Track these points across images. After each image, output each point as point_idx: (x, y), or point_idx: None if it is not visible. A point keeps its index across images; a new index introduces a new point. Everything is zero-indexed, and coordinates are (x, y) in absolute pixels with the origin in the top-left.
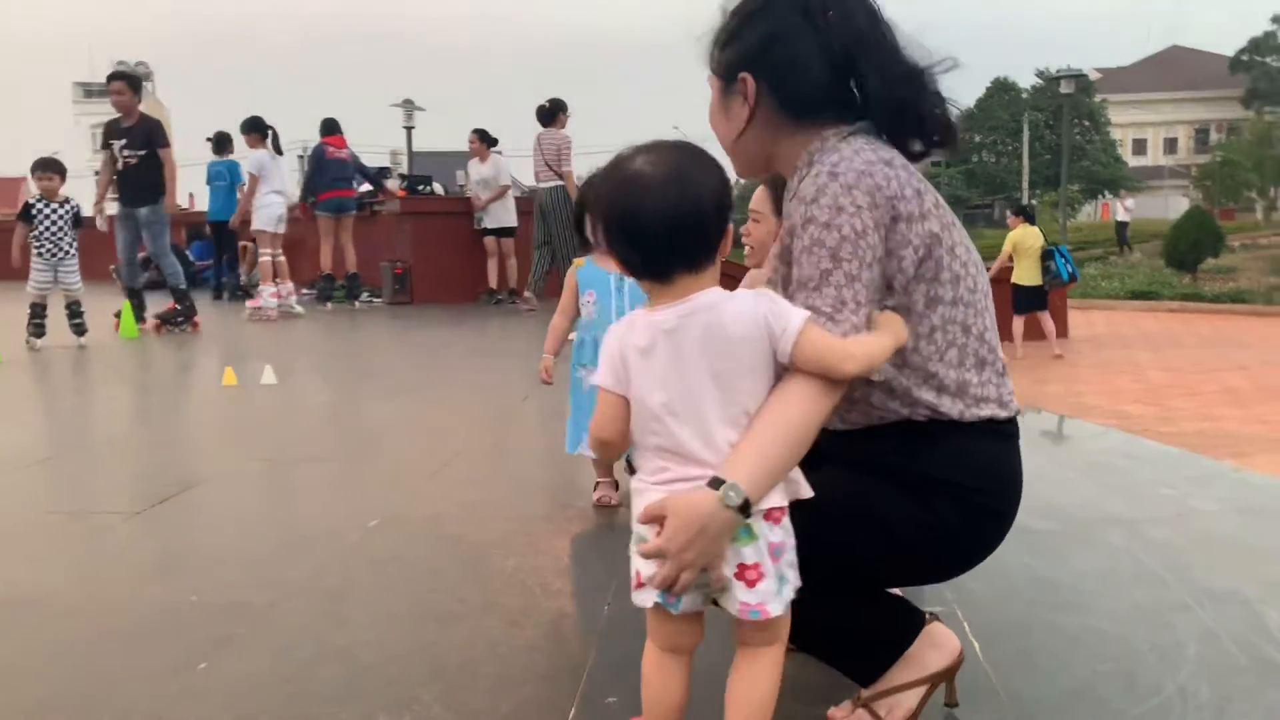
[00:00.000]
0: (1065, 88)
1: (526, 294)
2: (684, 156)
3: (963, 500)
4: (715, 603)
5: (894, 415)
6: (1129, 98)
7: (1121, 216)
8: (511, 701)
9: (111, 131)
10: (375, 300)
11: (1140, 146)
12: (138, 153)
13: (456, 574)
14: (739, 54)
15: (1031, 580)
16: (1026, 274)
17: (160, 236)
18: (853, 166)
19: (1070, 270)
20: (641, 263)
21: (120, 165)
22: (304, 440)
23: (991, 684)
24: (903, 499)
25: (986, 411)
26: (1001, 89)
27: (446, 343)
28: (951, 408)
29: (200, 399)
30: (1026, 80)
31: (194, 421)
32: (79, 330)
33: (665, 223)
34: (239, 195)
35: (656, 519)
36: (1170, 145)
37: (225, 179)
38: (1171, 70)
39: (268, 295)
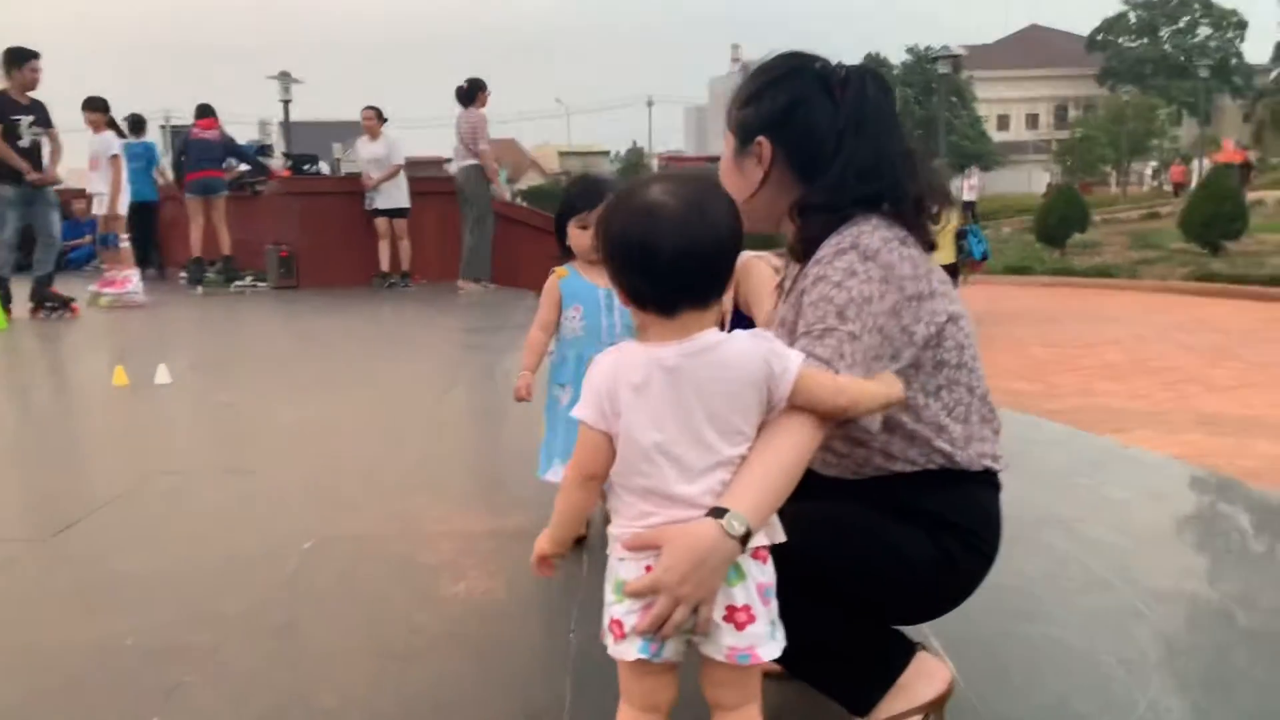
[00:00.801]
0: (943, 68)
1: (461, 283)
2: (702, 189)
3: (966, 543)
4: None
5: (909, 466)
6: (993, 74)
7: (967, 195)
8: None
9: (10, 108)
10: (260, 285)
11: (1004, 122)
12: (45, 130)
13: (407, 602)
14: (758, 117)
15: (984, 587)
16: (942, 253)
17: (59, 218)
18: (871, 242)
19: (983, 249)
20: (652, 295)
21: (26, 143)
22: (214, 448)
23: (973, 705)
24: (917, 533)
25: (987, 463)
26: (871, 64)
27: (345, 333)
28: (962, 458)
29: (91, 403)
30: (897, 56)
31: (89, 429)
32: None
33: (682, 255)
34: (156, 177)
35: (649, 548)
36: (1032, 121)
37: (143, 160)
38: (1032, 48)
39: (137, 280)
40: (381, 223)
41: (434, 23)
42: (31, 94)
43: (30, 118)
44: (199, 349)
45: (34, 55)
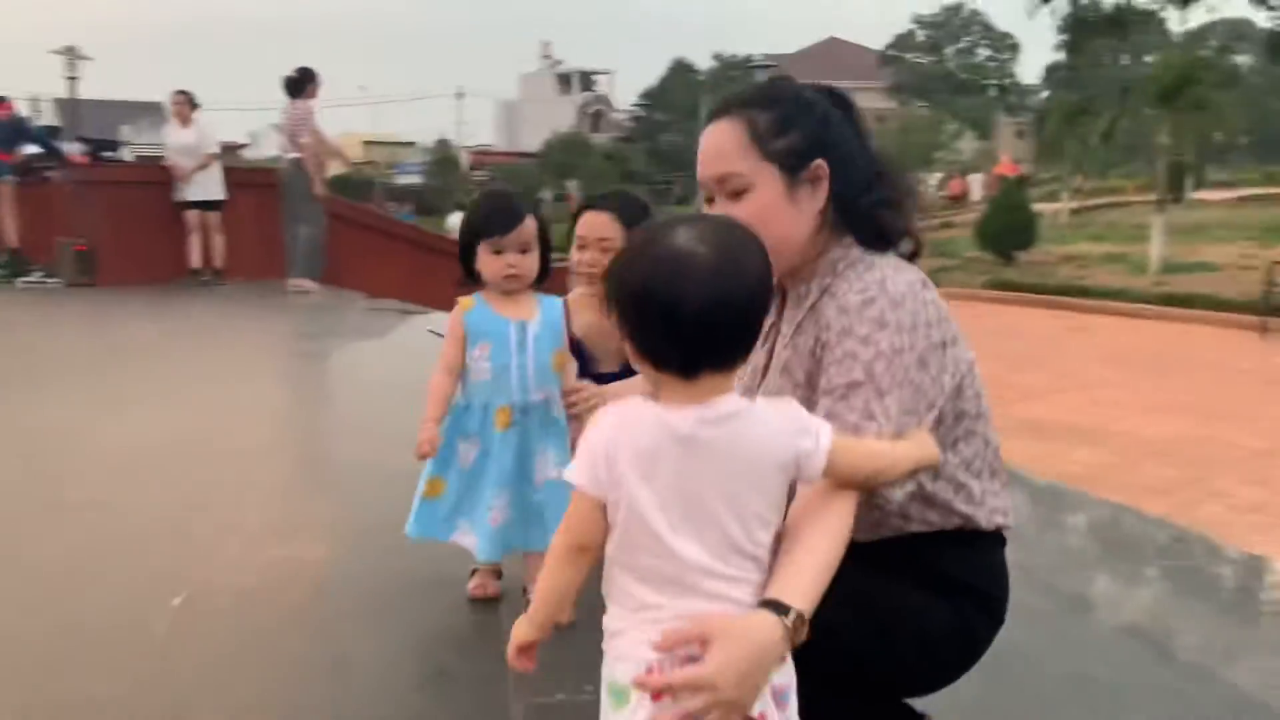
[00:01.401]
0: (760, 76)
1: (294, 282)
2: (733, 235)
3: (981, 605)
4: None
5: (927, 527)
6: None
7: None
8: None
9: None
10: (50, 281)
11: None
12: None
13: (313, 671)
14: (806, 141)
15: None
16: None
17: None
18: (897, 286)
19: None
20: (675, 357)
21: None
22: (36, 478)
23: None
24: (937, 602)
25: (1000, 519)
26: (681, 70)
27: (163, 339)
28: (978, 515)
29: None
30: (704, 63)
31: None
32: None
33: (712, 310)
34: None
35: (692, 641)
36: None
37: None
38: (829, 61)
39: None
40: (192, 215)
41: (237, 4)
42: None
43: None
44: None
45: None
